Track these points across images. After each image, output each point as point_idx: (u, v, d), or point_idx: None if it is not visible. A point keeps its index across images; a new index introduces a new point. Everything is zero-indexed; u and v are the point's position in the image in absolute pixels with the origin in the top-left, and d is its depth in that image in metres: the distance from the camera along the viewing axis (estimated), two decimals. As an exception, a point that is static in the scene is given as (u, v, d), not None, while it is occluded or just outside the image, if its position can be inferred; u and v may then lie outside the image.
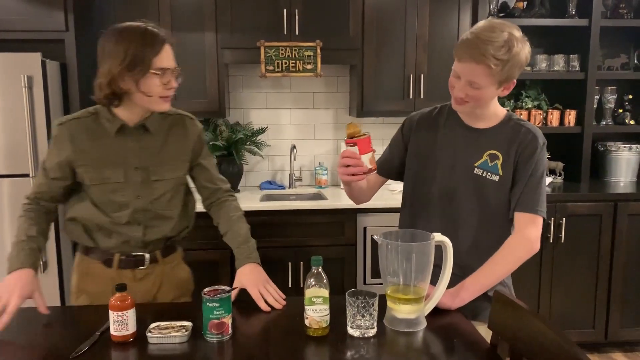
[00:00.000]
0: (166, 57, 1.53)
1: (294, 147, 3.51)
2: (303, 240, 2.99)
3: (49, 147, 1.65)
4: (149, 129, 1.63)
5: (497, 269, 1.54)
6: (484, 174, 1.58)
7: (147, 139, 1.64)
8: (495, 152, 1.58)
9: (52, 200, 1.66)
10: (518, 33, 1.47)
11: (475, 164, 1.59)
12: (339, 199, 3.14)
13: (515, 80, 1.51)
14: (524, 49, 1.46)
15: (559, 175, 3.47)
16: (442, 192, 1.62)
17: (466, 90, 1.49)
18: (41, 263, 2.74)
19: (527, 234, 1.54)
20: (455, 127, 1.64)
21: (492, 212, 1.59)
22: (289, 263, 2.98)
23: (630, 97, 3.54)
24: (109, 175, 1.60)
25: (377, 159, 1.67)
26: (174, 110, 1.71)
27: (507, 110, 1.65)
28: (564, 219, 3.06)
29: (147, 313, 1.46)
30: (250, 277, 1.60)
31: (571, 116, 3.39)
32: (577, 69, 3.37)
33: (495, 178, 1.57)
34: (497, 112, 1.61)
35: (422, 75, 3.24)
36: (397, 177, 1.78)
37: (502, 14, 3.32)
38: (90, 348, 1.29)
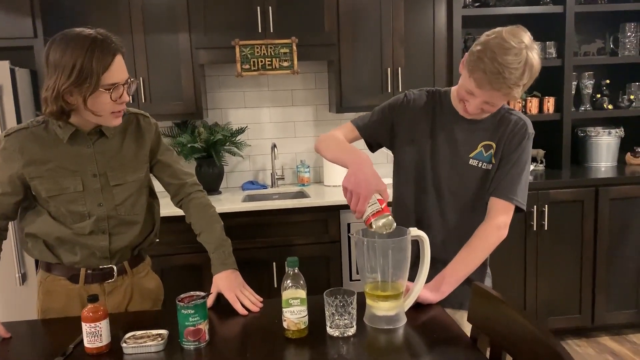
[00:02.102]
0: (117, 71, 1.42)
1: (274, 146, 3.48)
2: (287, 240, 2.96)
3: None
4: (105, 133, 1.56)
5: (472, 257, 1.56)
6: (479, 164, 1.60)
7: (102, 143, 1.57)
8: (489, 142, 1.59)
9: (3, 218, 1.58)
10: (528, 39, 1.44)
11: (471, 155, 1.60)
12: (322, 197, 3.12)
13: None
14: (537, 55, 1.44)
15: (540, 163, 3.48)
16: (438, 184, 1.63)
17: (483, 106, 1.50)
18: (19, 276, 2.69)
19: (497, 222, 1.56)
20: (451, 117, 1.63)
21: (482, 199, 1.60)
22: (274, 263, 2.95)
23: (608, 81, 3.55)
24: (66, 185, 1.53)
25: (361, 119, 1.71)
26: (127, 109, 1.61)
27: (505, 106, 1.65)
28: (546, 206, 3.06)
29: (121, 323, 1.42)
30: (226, 282, 1.57)
31: (550, 103, 3.40)
32: (553, 55, 3.38)
33: (489, 167, 1.60)
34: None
35: (399, 69, 3.23)
36: (373, 148, 1.75)
37: (477, 4, 3.31)
38: (63, 362, 1.26)
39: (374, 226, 1.36)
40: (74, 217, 1.56)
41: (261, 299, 1.56)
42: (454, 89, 1.65)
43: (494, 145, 1.59)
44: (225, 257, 1.62)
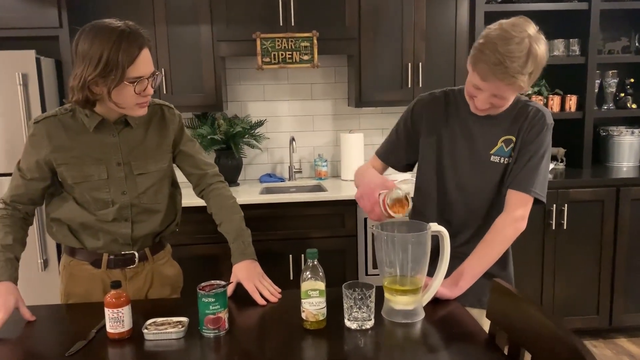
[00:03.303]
0: (143, 64, 1.43)
1: (293, 139, 3.49)
2: (303, 233, 2.98)
3: (25, 146, 1.59)
4: (130, 123, 1.58)
5: (489, 252, 1.54)
6: (501, 160, 1.58)
7: (127, 132, 1.59)
8: (509, 137, 1.57)
9: (30, 203, 1.61)
10: (533, 30, 1.41)
11: (492, 152, 1.59)
12: (339, 191, 3.12)
13: None
14: (542, 45, 1.42)
15: (561, 162, 3.45)
16: (461, 184, 1.62)
17: (491, 100, 1.48)
18: (41, 262, 2.75)
19: (514, 214, 1.53)
20: (467, 116, 1.61)
21: (504, 194, 1.59)
22: (290, 255, 2.97)
23: (632, 80, 3.50)
24: (91, 172, 1.56)
25: (382, 146, 1.74)
26: (151, 100, 1.64)
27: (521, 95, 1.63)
28: (566, 205, 3.03)
29: (143, 310, 1.45)
30: (245, 272, 1.59)
31: (572, 101, 3.36)
32: (577, 53, 3.33)
33: (509, 160, 1.58)
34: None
35: (420, 64, 3.21)
36: (404, 169, 1.77)
37: (499, 0, 3.28)
38: (86, 346, 1.29)
39: (389, 203, 1.41)
40: (98, 204, 1.59)
41: (280, 290, 1.58)
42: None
43: (514, 139, 1.57)
44: (244, 247, 1.64)
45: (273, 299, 1.53)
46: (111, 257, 1.64)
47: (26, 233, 1.61)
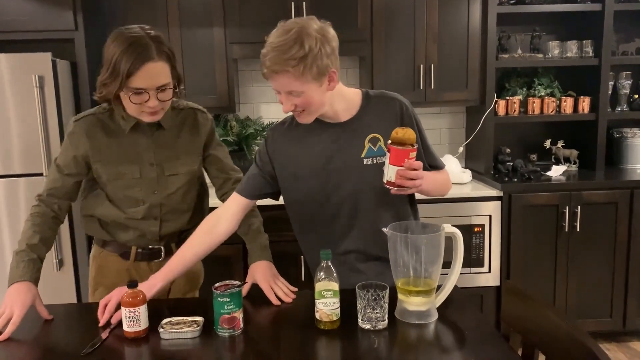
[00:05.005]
0: (144, 78, 1.45)
1: (304, 141, 3.49)
2: (315, 234, 2.98)
3: (64, 143, 1.65)
4: (162, 125, 1.64)
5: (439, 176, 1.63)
6: (375, 161, 1.54)
7: (160, 135, 1.65)
8: (373, 135, 1.55)
9: (66, 197, 1.67)
10: (311, 24, 1.40)
11: (362, 156, 1.55)
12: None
13: (335, 70, 1.44)
14: (323, 37, 1.39)
15: (574, 164, 3.43)
16: (343, 197, 1.57)
17: (291, 100, 1.44)
18: (56, 262, 2.78)
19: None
20: (322, 130, 1.56)
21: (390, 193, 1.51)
22: (302, 257, 2.98)
23: (646, 82, 3.48)
24: (125, 171, 1.63)
25: (243, 179, 1.65)
26: (185, 104, 1.73)
27: (361, 90, 1.60)
28: (579, 207, 3.01)
29: (159, 309, 1.46)
30: (261, 273, 1.61)
31: (585, 103, 3.34)
32: (590, 54, 3.31)
33: (385, 159, 1.46)
34: (352, 98, 1.56)
35: (432, 66, 3.21)
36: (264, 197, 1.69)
37: (512, 1, 3.26)
38: (102, 344, 1.31)
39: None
40: (130, 202, 1.66)
41: (295, 289, 1.59)
42: None
43: (381, 137, 1.54)
44: (262, 249, 1.69)
45: (287, 299, 1.54)
46: (139, 250, 1.72)
47: (55, 232, 1.65)
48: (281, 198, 1.71)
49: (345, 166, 1.55)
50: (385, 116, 1.56)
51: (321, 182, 1.57)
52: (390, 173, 1.41)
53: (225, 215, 1.61)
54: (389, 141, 1.42)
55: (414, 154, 1.40)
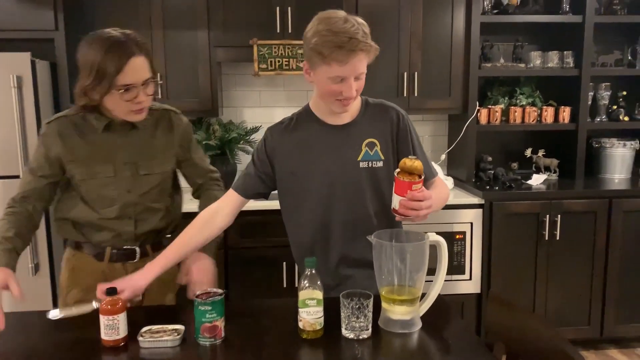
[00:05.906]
0: (131, 73, 1.48)
1: (288, 146, 3.48)
2: (298, 240, 2.97)
3: (36, 146, 1.66)
4: (136, 125, 1.65)
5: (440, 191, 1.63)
6: (370, 164, 1.58)
7: (134, 134, 1.66)
8: (371, 140, 1.58)
9: (40, 199, 1.65)
10: (342, 12, 1.46)
11: (359, 159, 1.58)
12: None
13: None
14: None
15: (554, 172, 3.47)
16: (339, 192, 1.58)
17: (354, 85, 1.47)
18: (32, 266, 2.72)
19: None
20: (321, 131, 1.59)
21: (385, 197, 1.55)
22: (284, 263, 2.95)
23: (625, 93, 3.53)
24: (98, 170, 1.63)
25: (240, 177, 1.67)
26: (159, 105, 1.74)
27: (361, 97, 1.62)
28: (559, 216, 3.05)
29: (138, 317, 1.43)
30: (202, 273, 1.64)
31: (565, 113, 3.38)
32: (571, 65, 3.36)
33: (380, 164, 1.58)
34: (354, 102, 1.57)
35: (415, 73, 3.23)
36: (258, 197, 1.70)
37: (495, 11, 3.31)
38: (81, 353, 1.27)
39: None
40: (104, 201, 1.65)
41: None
42: (312, 102, 1.62)
43: (377, 142, 1.58)
44: (216, 246, 1.74)
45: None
46: (114, 251, 1.70)
47: (30, 231, 1.63)
48: (277, 201, 1.71)
49: (342, 167, 1.57)
50: (381, 123, 1.60)
51: (318, 182, 1.58)
52: (394, 201, 1.42)
53: (222, 211, 1.64)
54: (397, 169, 1.42)
55: (417, 186, 1.38)
